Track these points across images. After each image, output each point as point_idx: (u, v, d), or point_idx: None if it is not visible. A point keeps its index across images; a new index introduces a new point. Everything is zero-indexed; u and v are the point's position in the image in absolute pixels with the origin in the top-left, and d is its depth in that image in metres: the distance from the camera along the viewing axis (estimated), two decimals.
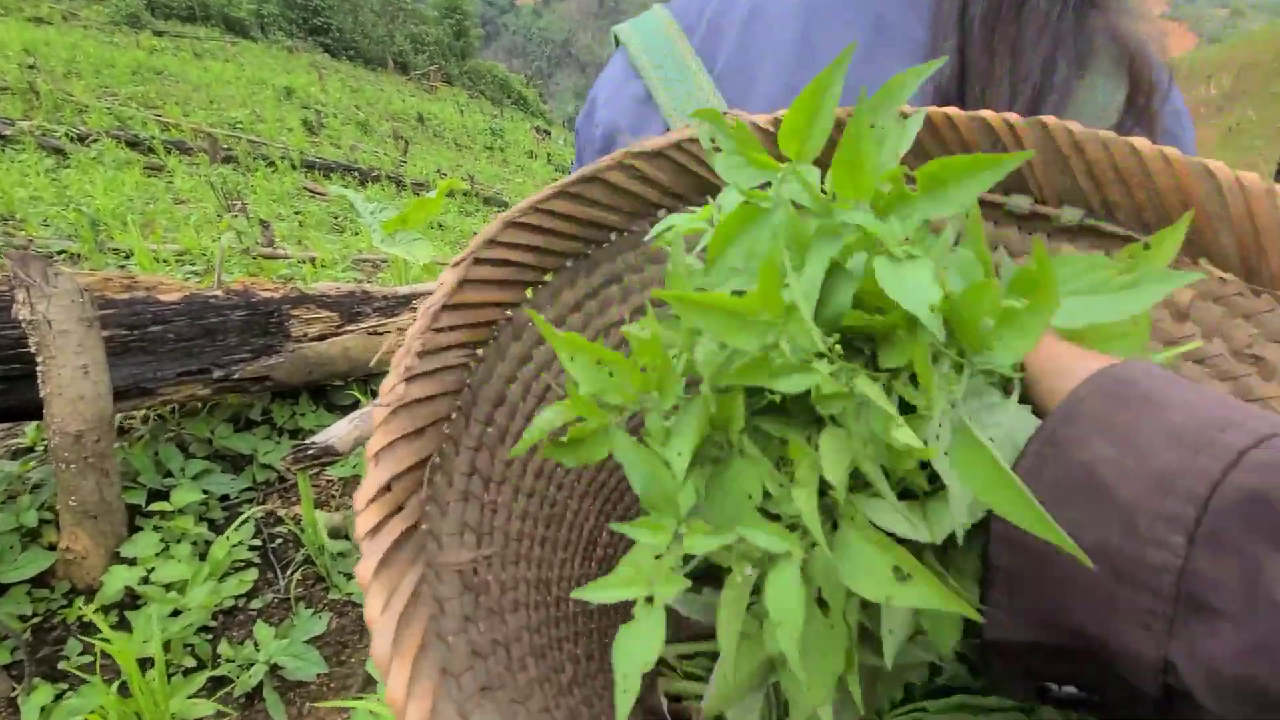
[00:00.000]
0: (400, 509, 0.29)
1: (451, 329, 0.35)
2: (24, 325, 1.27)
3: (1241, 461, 0.19)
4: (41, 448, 1.65)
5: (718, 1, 0.51)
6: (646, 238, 0.38)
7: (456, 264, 0.35)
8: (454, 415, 0.35)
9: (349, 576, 1.69)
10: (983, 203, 0.36)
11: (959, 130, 0.35)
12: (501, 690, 0.29)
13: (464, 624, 0.30)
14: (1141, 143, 0.31)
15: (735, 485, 0.27)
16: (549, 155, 19.11)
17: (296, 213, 5.50)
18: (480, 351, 0.38)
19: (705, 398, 0.27)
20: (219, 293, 1.81)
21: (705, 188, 0.41)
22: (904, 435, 0.22)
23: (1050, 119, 0.32)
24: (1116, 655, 0.21)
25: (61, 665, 1.31)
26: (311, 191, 6.47)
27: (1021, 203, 0.36)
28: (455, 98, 23.98)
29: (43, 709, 1.18)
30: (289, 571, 1.64)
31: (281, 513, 1.77)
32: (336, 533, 1.77)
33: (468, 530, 0.35)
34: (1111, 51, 0.45)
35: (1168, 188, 0.31)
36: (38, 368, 1.29)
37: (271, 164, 6.96)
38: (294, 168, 7.13)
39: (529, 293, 0.41)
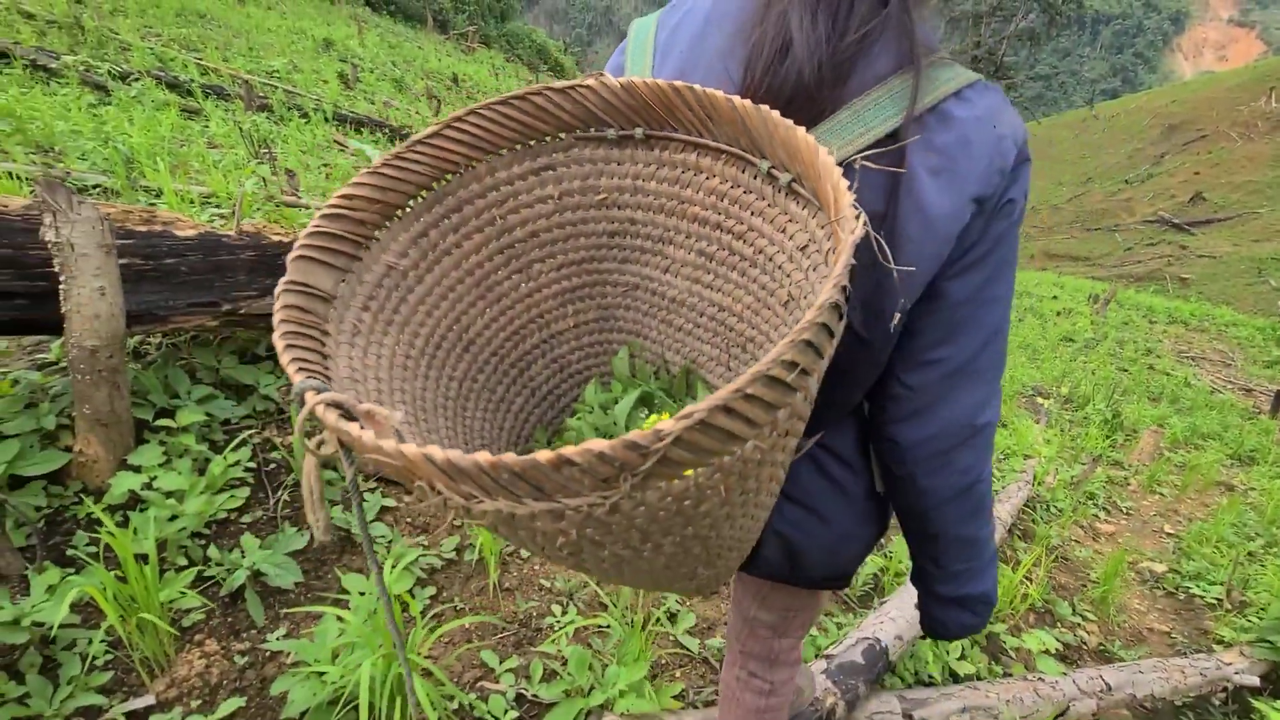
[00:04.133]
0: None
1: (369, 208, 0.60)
2: (49, 246, 1.41)
3: None
4: (64, 362, 1.81)
5: (681, 13, 0.71)
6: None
7: (427, 132, 0.60)
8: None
9: (333, 503, 1.84)
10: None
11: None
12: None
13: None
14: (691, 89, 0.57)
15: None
16: None
17: (324, 164, 5.63)
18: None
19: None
20: (232, 233, 1.95)
21: (590, 120, 0.65)
22: None
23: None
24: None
25: (69, 553, 1.47)
26: (341, 145, 6.60)
27: (610, 133, 0.66)
28: (492, 60, 23.90)
29: (50, 587, 1.34)
30: (278, 493, 1.79)
31: (277, 440, 1.92)
32: (326, 463, 1.92)
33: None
34: (888, 35, 0.60)
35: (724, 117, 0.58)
36: (60, 286, 1.43)
37: (305, 115, 7.09)
38: (326, 120, 7.25)
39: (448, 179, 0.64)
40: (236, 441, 1.79)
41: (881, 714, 1.74)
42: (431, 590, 1.76)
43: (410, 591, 1.71)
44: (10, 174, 2.90)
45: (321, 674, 1.31)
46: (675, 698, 1.61)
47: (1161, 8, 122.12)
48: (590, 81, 0.61)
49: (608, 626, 1.74)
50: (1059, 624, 2.65)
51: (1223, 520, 4.02)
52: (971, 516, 0.75)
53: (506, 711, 1.48)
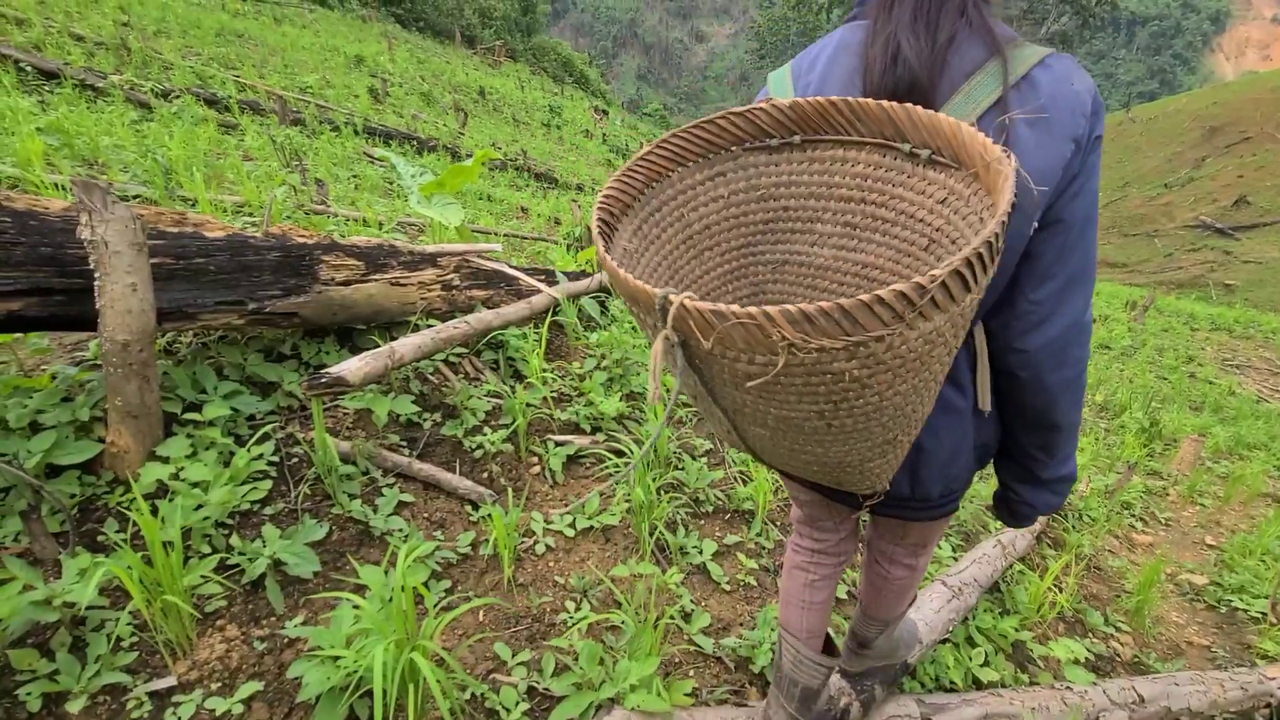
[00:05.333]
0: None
1: (628, 190, 0.85)
2: (85, 244, 1.47)
3: None
4: (99, 359, 1.88)
5: (815, 52, 0.93)
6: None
7: (642, 152, 0.85)
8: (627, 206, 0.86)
9: (352, 496, 1.87)
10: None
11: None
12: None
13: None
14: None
15: None
16: (604, 136, 19.19)
17: (354, 176, 5.79)
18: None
19: None
20: (258, 235, 2.01)
21: (758, 133, 0.86)
22: None
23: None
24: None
25: (100, 539, 1.53)
26: (370, 157, 6.77)
27: (772, 142, 0.89)
28: (518, 73, 24.31)
29: (81, 571, 1.39)
30: (299, 486, 1.83)
31: (300, 436, 1.97)
32: (346, 458, 1.96)
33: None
34: (973, 34, 0.82)
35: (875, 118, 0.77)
36: (94, 283, 1.50)
37: (336, 129, 7.31)
38: (356, 133, 7.46)
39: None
40: (259, 435, 1.84)
41: (899, 717, 1.70)
42: (446, 583, 1.78)
43: (425, 584, 1.73)
44: (56, 185, 3.04)
45: (336, 659, 1.33)
46: (687, 695, 1.60)
47: (1200, 8, 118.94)
48: (764, 105, 0.83)
49: (621, 623, 1.74)
50: (1090, 634, 2.56)
51: (1269, 532, 3.85)
52: (1076, 404, 0.93)
53: (517, 703, 1.48)
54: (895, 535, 1.27)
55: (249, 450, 1.75)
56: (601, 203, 0.80)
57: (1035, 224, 0.80)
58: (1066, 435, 0.96)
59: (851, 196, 0.83)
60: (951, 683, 1.98)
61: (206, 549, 1.59)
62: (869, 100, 0.75)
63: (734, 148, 0.87)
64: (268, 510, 1.76)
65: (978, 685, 2.03)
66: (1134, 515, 3.99)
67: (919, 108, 0.71)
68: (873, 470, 0.80)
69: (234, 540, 1.62)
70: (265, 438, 1.90)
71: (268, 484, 1.78)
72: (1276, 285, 19.59)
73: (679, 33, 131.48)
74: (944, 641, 2.09)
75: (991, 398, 0.95)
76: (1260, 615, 2.99)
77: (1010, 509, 1.11)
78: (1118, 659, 2.49)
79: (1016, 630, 2.28)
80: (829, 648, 1.41)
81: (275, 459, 1.87)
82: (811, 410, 0.65)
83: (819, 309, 0.52)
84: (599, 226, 0.77)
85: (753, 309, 0.53)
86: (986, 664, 2.11)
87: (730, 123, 0.84)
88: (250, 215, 3.52)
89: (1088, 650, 2.32)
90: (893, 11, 0.81)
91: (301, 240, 2.10)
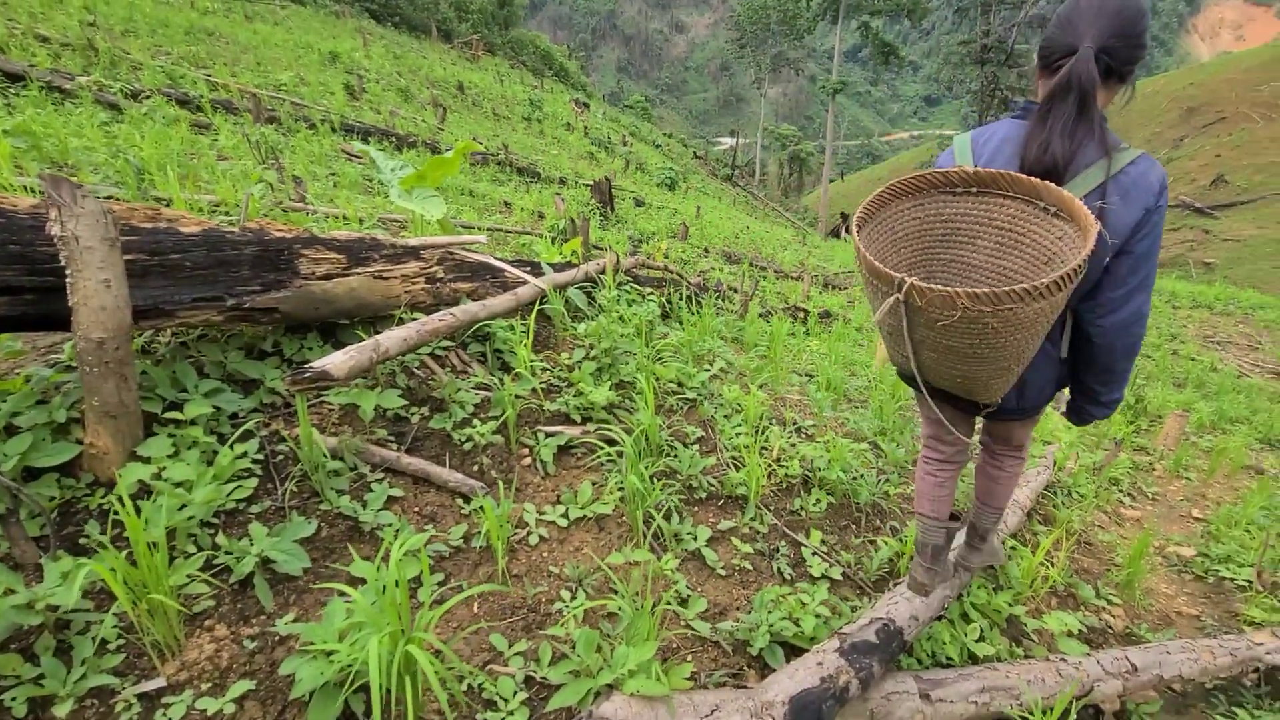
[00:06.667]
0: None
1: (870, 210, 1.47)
2: (55, 240, 1.43)
3: None
4: (74, 361, 1.83)
5: (989, 134, 1.53)
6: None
7: (879, 190, 1.48)
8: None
9: (340, 492, 1.85)
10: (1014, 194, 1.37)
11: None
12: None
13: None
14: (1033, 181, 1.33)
15: None
16: (586, 129, 19.07)
17: (332, 173, 5.71)
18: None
19: None
20: (235, 229, 1.97)
21: (949, 185, 1.42)
22: None
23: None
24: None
25: (82, 542, 1.49)
26: (349, 154, 6.68)
27: (958, 190, 1.46)
28: (496, 67, 24.08)
29: (64, 574, 1.35)
30: (285, 483, 1.80)
31: (285, 433, 1.94)
32: (333, 454, 1.93)
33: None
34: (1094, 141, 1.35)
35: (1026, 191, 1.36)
36: (66, 279, 1.46)
37: (312, 126, 7.20)
38: (333, 130, 7.35)
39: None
40: (243, 432, 1.81)
41: (897, 693, 1.70)
42: (440, 576, 1.76)
43: (419, 577, 1.71)
44: (25, 188, 2.96)
45: (329, 654, 1.31)
46: (686, 679, 1.60)
47: None
48: (957, 170, 1.38)
49: (618, 610, 1.73)
50: (1083, 607, 2.59)
51: (1252, 503, 3.91)
52: (1131, 357, 1.50)
53: (515, 692, 1.47)
54: (1003, 437, 1.90)
55: (232, 448, 1.72)
56: (858, 217, 1.43)
57: (1113, 253, 1.36)
58: (1120, 377, 1.55)
59: (1003, 226, 1.38)
60: (948, 658, 1.99)
61: (192, 549, 1.56)
62: (1023, 175, 1.30)
63: (932, 190, 1.44)
64: (254, 508, 1.73)
65: (974, 660, 2.04)
66: (1122, 491, 4.04)
67: (1053, 184, 1.28)
68: (995, 386, 1.43)
69: (220, 539, 1.59)
70: (249, 435, 1.87)
71: (253, 482, 1.74)
72: (1254, 262, 19.90)
73: (658, 24, 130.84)
74: (940, 618, 2.10)
75: (1069, 352, 1.55)
76: (1246, 584, 3.04)
77: (1078, 414, 1.69)
78: (1110, 630, 2.52)
79: (1010, 605, 2.29)
80: (954, 518, 2.00)
81: (260, 457, 1.84)
82: (966, 344, 1.27)
83: (985, 291, 1.15)
84: (858, 231, 1.40)
85: (951, 289, 1.17)
86: (982, 639, 2.12)
87: (935, 178, 1.41)
88: (227, 214, 3.45)
89: (1080, 623, 2.34)
90: (1048, 122, 1.35)
91: (280, 234, 2.06)
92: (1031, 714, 1.75)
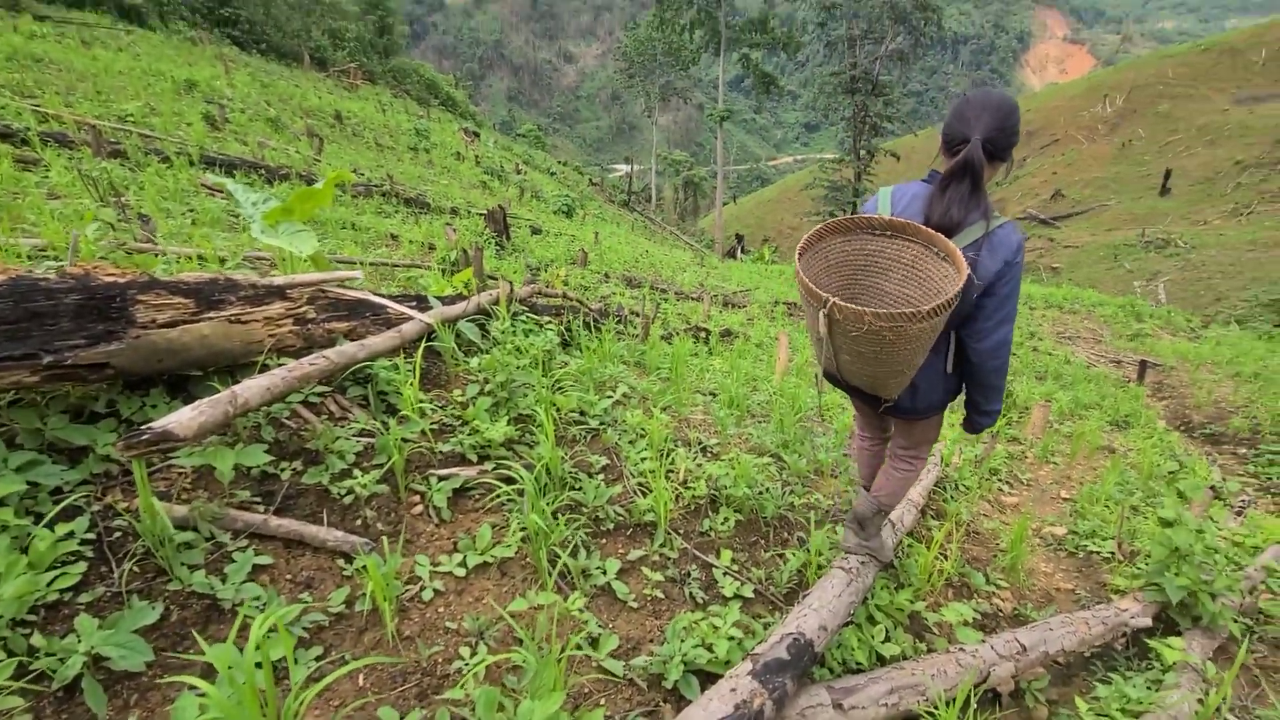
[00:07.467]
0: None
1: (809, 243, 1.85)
2: None
3: None
4: None
5: (904, 190, 1.94)
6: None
7: (819, 226, 1.87)
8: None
9: (193, 568, 1.62)
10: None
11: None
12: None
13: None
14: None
15: None
16: (477, 158, 18.79)
17: (189, 210, 5.23)
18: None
19: None
20: (53, 276, 1.71)
21: (869, 227, 1.84)
22: None
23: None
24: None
25: None
26: (210, 189, 6.15)
27: (876, 231, 1.89)
28: (378, 96, 23.29)
29: None
30: (122, 564, 1.56)
31: (122, 505, 1.68)
32: (184, 524, 1.70)
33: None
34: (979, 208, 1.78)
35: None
36: None
37: (166, 159, 6.59)
38: (192, 164, 6.77)
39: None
40: (64, 508, 1.55)
41: (812, 708, 1.70)
42: (317, 650, 1.57)
43: (292, 653, 1.51)
44: None
45: None
46: None
47: (1008, 28, 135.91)
48: (877, 216, 1.80)
49: (522, 662, 1.61)
50: (975, 595, 2.73)
51: (1108, 480, 4.34)
52: (1001, 375, 1.90)
53: None
54: (902, 435, 2.24)
55: (52, 530, 1.47)
56: (800, 247, 1.79)
57: (981, 293, 1.76)
58: (995, 392, 1.96)
59: (908, 263, 1.79)
60: (858, 663, 2.01)
61: (2, 655, 1.30)
62: (925, 228, 1.72)
63: (858, 230, 1.82)
64: (83, 597, 1.48)
65: (881, 661, 2.08)
66: (1000, 479, 4.35)
67: (943, 236, 1.70)
68: (892, 385, 1.84)
69: (36, 640, 1.34)
70: (75, 512, 1.60)
71: (81, 566, 1.50)
72: (1090, 265, 22.54)
73: (547, 53, 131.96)
74: (848, 624, 2.13)
75: (954, 366, 1.93)
76: (1110, 555, 3.34)
77: (970, 424, 2.10)
78: (1000, 614, 2.67)
79: (911, 602, 2.37)
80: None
81: (91, 536, 1.58)
82: (871, 350, 1.66)
83: (885, 313, 1.55)
84: (798, 257, 1.78)
85: (860, 308, 1.57)
86: (888, 639, 2.17)
87: (860, 221, 1.81)
88: (57, 259, 3.05)
89: (974, 610, 2.46)
90: (947, 193, 1.75)
91: (111, 279, 1.82)
92: (937, 708, 1.79)
